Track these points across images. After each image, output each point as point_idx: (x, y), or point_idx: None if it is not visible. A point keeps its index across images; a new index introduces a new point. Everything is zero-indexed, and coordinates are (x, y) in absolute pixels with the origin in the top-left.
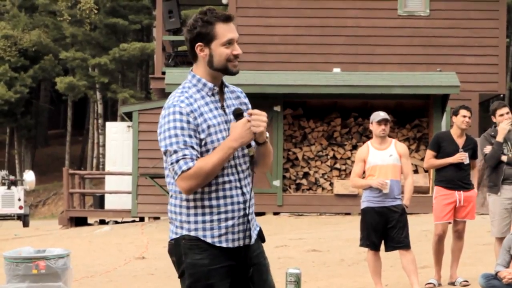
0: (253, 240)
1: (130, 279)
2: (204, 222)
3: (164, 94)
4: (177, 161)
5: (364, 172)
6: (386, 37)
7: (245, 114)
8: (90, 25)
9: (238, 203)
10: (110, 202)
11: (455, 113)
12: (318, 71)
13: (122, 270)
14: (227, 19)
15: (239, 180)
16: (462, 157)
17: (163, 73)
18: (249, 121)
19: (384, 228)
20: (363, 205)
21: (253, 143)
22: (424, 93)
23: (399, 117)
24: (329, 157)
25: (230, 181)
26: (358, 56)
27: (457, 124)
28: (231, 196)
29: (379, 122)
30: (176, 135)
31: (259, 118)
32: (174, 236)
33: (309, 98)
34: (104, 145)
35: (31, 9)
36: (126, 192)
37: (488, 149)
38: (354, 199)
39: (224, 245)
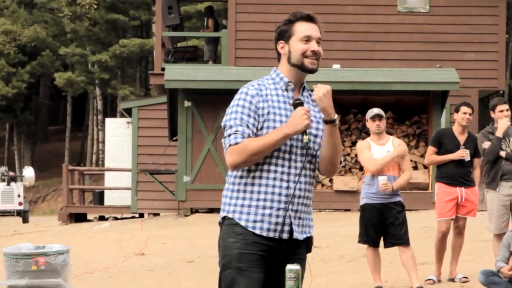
0: (295, 236)
1: (129, 275)
2: (242, 206)
3: (163, 90)
4: (229, 135)
5: (362, 169)
6: (385, 33)
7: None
8: (90, 20)
9: (280, 194)
10: (110, 198)
11: (456, 109)
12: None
13: (122, 266)
14: (308, 18)
15: (288, 174)
16: (463, 154)
17: (163, 69)
18: (307, 112)
19: (383, 225)
20: (362, 201)
21: (315, 131)
22: (423, 89)
23: (398, 113)
24: None
25: (275, 171)
26: (358, 52)
27: (458, 120)
28: (274, 186)
29: (373, 118)
30: (236, 112)
31: (320, 89)
32: (219, 220)
33: None
34: (103, 141)
35: (31, 5)
36: (126, 188)
37: (486, 144)
38: (354, 195)
39: (257, 231)
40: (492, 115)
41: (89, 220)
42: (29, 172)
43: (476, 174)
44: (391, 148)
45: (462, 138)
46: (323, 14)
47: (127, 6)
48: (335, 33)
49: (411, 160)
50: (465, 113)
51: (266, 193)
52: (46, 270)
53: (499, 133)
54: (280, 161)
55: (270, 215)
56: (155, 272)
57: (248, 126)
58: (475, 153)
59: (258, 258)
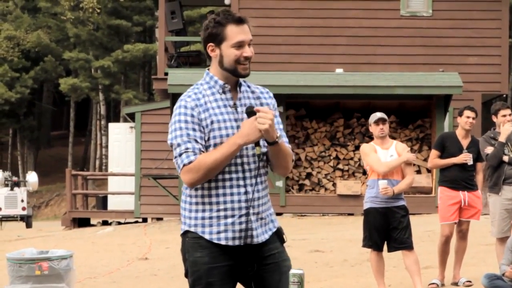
0: (259, 240)
1: (133, 280)
2: (203, 218)
3: (166, 95)
4: (180, 154)
5: (365, 173)
6: (388, 37)
7: None
8: (93, 25)
9: (239, 201)
10: (113, 203)
11: (460, 113)
12: (321, 71)
13: (125, 271)
14: (239, 20)
15: (244, 178)
16: (466, 157)
17: (166, 74)
18: (269, 119)
19: (387, 229)
20: (366, 205)
21: (263, 143)
22: (426, 93)
23: (401, 117)
24: (332, 157)
25: (231, 179)
26: (361, 56)
27: (461, 124)
28: (231, 194)
29: (377, 123)
30: (180, 128)
31: (265, 116)
32: (180, 232)
33: (312, 99)
34: (107, 146)
35: (34, 10)
36: (129, 193)
37: (489, 149)
38: (357, 199)
39: (223, 242)
40: (494, 119)
41: (93, 225)
42: (32, 177)
43: (479, 178)
44: (394, 152)
45: (465, 142)
46: (325, 19)
47: (130, 12)
48: (337, 37)
49: (414, 164)
50: (468, 117)
51: (225, 202)
52: (49, 275)
53: (502, 138)
54: (233, 168)
55: (233, 223)
56: (158, 277)
57: (196, 141)
58: (478, 157)
59: (227, 270)
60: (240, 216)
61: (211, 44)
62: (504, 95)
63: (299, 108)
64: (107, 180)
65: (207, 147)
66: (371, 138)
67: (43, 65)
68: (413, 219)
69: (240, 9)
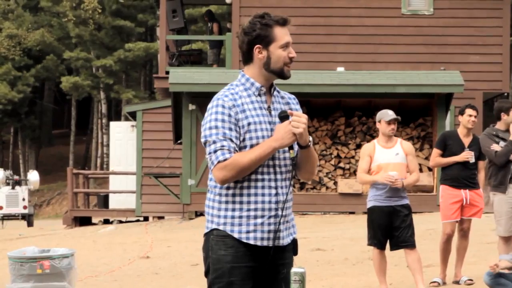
0: (284, 242)
1: (134, 278)
2: (233, 217)
3: (168, 94)
4: (215, 151)
5: (369, 170)
6: (389, 36)
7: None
8: (94, 25)
9: (270, 202)
10: (114, 202)
11: (461, 112)
12: (322, 70)
13: (127, 270)
14: (285, 22)
15: (275, 180)
16: (468, 156)
17: (167, 72)
18: (302, 123)
19: (390, 227)
20: (370, 204)
21: (296, 147)
22: (428, 92)
23: (403, 116)
24: (333, 156)
25: (263, 180)
26: (362, 55)
27: (463, 123)
28: (263, 195)
29: (389, 122)
30: (216, 127)
31: (298, 120)
32: (205, 231)
33: (313, 97)
34: (108, 145)
35: (35, 9)
36: (130, 191)
37: (495, 147)
38: (358, 198)
39: (251, 242)
40: (503, 117)
41: (94, 224)
42: (33, 176)
43: (481, 176)
44: (400, 150)
45: (467, 141)
46: (327, 17)
47: (132, 11)
48: (339, 36)
49: None
50: (470, 115)
51: (256, 202)
52: (51, 274)
53: None
54: (265, 169)
55: (262, 224)
56: (160, 275)
57: (232, 140)
58: (480, 156)
59: (249, 271)
60: (270, 217)
61: (258, 46)
62: (506, 94)
63: (300, 107)
64: (109, 178)
65: (242, 148)
66: (372, 136)
67: (45, 64)
68: (414, 218)
69: (241, 7)
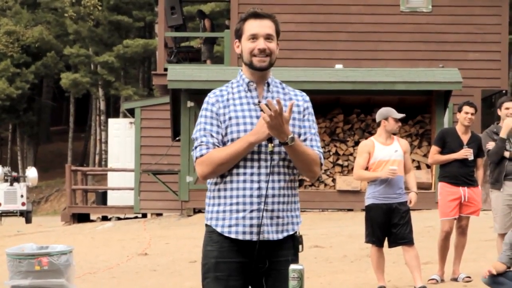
0: (272, 237)
1: (132, 275)
2: (218, 212)
3: (166, 91)
4: (195, 147)
5: (367, 168)
6: (388, 33)
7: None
8: (93, 21)
9: (251, 196)
10: (113, 199)
11: (459, 109)
12: (321, 67)
13: (125, 267)
14: (256, 15)
15: (259, 174)
16: (466, 153)
17: (165, 69)
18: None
19: (388, 225)
20: (368, 201)
21: (276, 141)
22: (426, 89)
23: (401, 113)
24: (331, 153)
25: (245, 173)
26: (361, 52)
27: (460, 120)
28: (244, 189)
29: (397, 120)
30: (200, 123)
31: (266, 110)
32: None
33: (312, 94)
34: (106, 142)
35: (34, 5)
36: (129, 188)
37: (490, 145)
38: (357, 195)
39: (233, 236)
40: (499, 112)
41: (92, 221)
42: (32, 173)
43: (479, 173)
44: (398, 147)
45: (465, 138)
46: (326, 14)
47: (130, 7)
48: (338, 33)
49: (413, 160)
50: (467, 112)
51: (237, 196)
52: (49, 270)
53: (503, 133)
54: (248, 163)
55: (244, 217)
56: (158, 272)
57: (212, 135)
58: (478, 153)
59: (236, 266)
60: (252, 211)
61: (236, 40)
62: (504, 91)
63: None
64: (107, 175)
65: (225, 142)
66: (370, 133)
67: (44, 60)
68: (413, 215)
69: (240, 4)
